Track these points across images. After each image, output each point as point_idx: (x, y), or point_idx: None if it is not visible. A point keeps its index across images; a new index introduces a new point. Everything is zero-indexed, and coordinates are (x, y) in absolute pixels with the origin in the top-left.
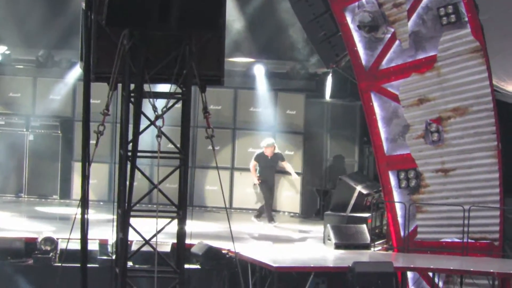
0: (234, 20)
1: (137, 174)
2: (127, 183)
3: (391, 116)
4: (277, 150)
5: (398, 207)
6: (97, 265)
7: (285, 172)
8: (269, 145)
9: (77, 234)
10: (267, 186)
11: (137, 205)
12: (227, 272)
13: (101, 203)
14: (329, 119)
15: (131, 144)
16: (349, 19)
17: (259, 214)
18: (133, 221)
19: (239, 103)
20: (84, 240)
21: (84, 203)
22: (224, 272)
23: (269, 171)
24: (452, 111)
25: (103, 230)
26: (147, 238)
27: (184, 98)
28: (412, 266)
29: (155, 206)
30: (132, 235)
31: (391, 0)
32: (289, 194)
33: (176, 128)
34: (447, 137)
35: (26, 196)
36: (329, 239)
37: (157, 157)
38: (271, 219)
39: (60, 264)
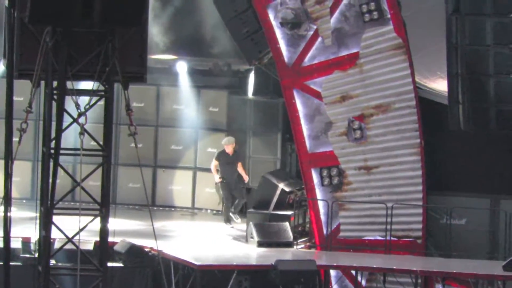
0: (157, 16)
1: (60, 172)
2: (50, 180)
3: (313, 113)
4: (237, 149)
5: (321, 205)
6: (20, 263)
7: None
8: (230, 142)
9: (0, 232)
10: (228, 186)
11: (60, 202)
12: (150, 270)
13: (24, 201)
14: (252, 116)
15: (54, 141)
16: (271, 16)
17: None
18: (56, 219)
19: (161, 100)
20: (7, 238)
21: (7, 200)
22: (147, 270)
23: (230, 169)
24: (374, 108)
25: (26, 228)
26: (70, 236)
27: (106, 96)
28: (335, 264)
29: (78, 204)
30: (55, 233)
31: None
32: (211, 191)
33: (99, 125)
34: (369, 134)
35: None
36: (252, 237)
37: (80, 154)
38: (227, 220)
39: None
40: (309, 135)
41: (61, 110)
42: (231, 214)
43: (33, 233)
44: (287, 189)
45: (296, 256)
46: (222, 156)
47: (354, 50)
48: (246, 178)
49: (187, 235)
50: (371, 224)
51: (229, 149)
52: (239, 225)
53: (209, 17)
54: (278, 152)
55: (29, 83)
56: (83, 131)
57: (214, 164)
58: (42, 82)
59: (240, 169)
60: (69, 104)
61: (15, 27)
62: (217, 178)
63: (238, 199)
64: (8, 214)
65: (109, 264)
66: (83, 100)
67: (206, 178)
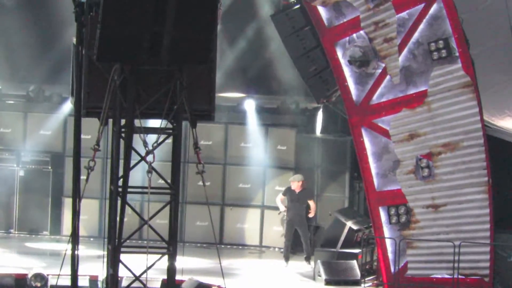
0: (225, 55)
1: (128, 210)
2: (118, 219)
3: (381, 152)
4: (307, 186)
5: (389, 243)
6: None
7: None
8: (297, 179)
9: (67, 270)
10: (292, 223)
11: (128, 241)
12: None
13: (92, 239)
14: (320, 154)
15: (121, 179)
16: (340, 54)
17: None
18: (123, 257)
19: (229, 138)
20: (74, 276)
21: (75, 238)
22: None
23: (295, 206)
24: (442, 147)
25: (93, 266)
26: (138, 274)
27: (175, 134)
28: None
29: (145, 242)
30: (122, 271)
31: (382, 35)
32: (279, 229)
33: (166, 163)
34: (437, 173)
35: (16, 232)
36: (319, 275)
37: (147, 192)
38: (286, 259)
39: None
40: (377, 173)
41: (129, 148)
42: (305, 261)
43: (101, 271)
44: (355, 227)
45: None
46: (288, 192)
47: (423, 88)
48: (312, 213)
49: (254, 274)
50: (439, 262)
51: (295, 186)
52: (305, 263)
53: (277, 55)
54: (346, 190)
55: (96, 121)
56: (151, 169)
57: (280, 197)
58: (110, 120)
59: (311, 204)
60: (137, 142)
61: (83, 65)
62: (282, 207)
63: (303, 240)
64: (76, 252)
65: None
66: (151, 138)
67: (274, 216)
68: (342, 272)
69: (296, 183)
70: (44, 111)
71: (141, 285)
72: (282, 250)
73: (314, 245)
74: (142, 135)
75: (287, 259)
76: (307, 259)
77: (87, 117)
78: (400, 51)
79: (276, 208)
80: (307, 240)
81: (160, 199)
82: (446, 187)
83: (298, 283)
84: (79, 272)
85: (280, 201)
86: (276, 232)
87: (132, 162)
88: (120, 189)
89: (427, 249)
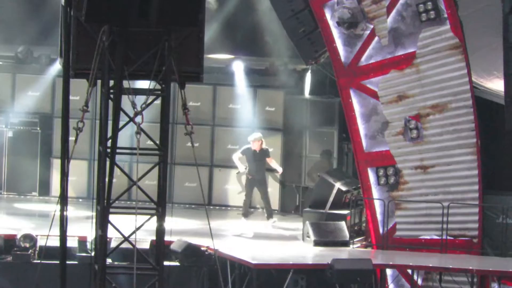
0: (213, 16)
1: (117, 171)
2: (106, 179)
3: (370, 113)
4: (264, 146)
5: (377, 204)
6: (76, 262)
7: (265, 169)
8: (256, 138)
9: (56, 231)
10: (253, 183)
11: (117, 202)
12: (206, 269)
13: (80, 200)
14: (308, 115)
15: (110, 140)
16: (328, 15)
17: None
18: (112, 218)
19: (218, 99)
20: (63, 237)
21: (63, 200)
22: (204, 269)
23: (257, 166)
24: (431, 108)
25: (82, 227)
26: (126, 235)
27: (163, 95)
28: (391, 263)
29: (134, 203)
30: (111, 232)
31: None
32: (268, 190)
33: (155, 124)
34: (426, 134)
35: (5, 193)
36: (308, 236)
37: (136, 153)
38: (245, 215)
39: (39, 261)
40: (365, 134)
41: (118, 109)
42: (268, 221)
43: (90, 232)
44: (343, 188)
45: (352, 255)
46: (247, 152)
47: (411, 50)
48: (279, 170)
49: (243, 235)
50: (427, 224)
51: (256, 146)
52: (296, 224)
53: (265, 16)
54: (335, 152)
55: (85, 82)
56: (139, 130)
57: (237, 155)
58: (99, 81)
59: (273, 164)
60: (125, 103)
61: (71, 26)
62: (242, 167)
63: (264, 200)
64: (65, 213)
65: (166, 263)
66: (140, 99)
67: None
68: (330, 233)
69: (257, 143)
70: (33, 72)
71: (130, 246)
72: (274, 211)
73: (303, 206)
74: (130, 96)
75: (246, 216)
76: (269, 217)
77: (76, 78)
78: (388, 12)
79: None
80: (268, 199)
81: (149, 160)
82: (435, 148)
83: (287, 244)
84: (68, 233)
85: (237, 160)
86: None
87: (121, 123)
88: (108, 150)
89: (416, 210)
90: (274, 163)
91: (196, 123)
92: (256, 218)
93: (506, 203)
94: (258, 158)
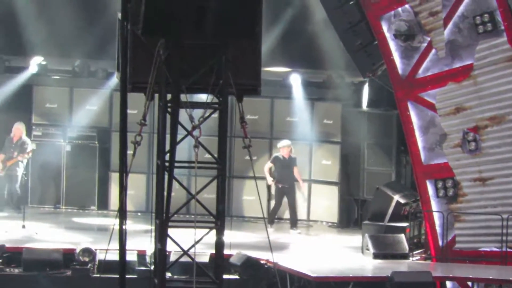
0: (270, 29)
1: (175, 185)
2: (165, 193)
3: (428, 125)
4: (293, 154)
5: (436, 217)
6: (135, 276)
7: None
8: (285, 145)
9: (115, 245)
10: (282, 190)
11: (175, 215)
12: (265, 282)
13: (139, 213)
14: (366, 128)
15: (168, 154)
16: (385, 28)
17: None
18: (171, 231)
19: (275, 112)
20: (122, 251)
21: (122, 213)
22: (263, 282)
23: (285, 173)
24: (489, 120)
25: (141, 241)
26: (186, 249)
27: (221, 108)
28: (450, 275)
29: (193, 216)
30: (170, 246)
31: (427, 8)
32: (326, 203)
33: (213, 138)
34: (484, 146)
35: (64, 207)
36: (367, 249)
37: (194, 167)
38: (271, 222)
39: (98, 275)
40: (423, 146)
41: (175, 123)
42: (291, 230)
43: (149, 245)
44: (402, 201)
45: (411, 268)
46: (276, 160)
47: (468, 62)
48: (301, 183)
49: (302, 247)
50: (487, 236)
51: (284, 152)
52: (355, 237)
53: (322, 29)
54: (393, 164)
55: (142, 95)
56: (197, 144)
57: (267, 166)
58: (156, 95)
59: (296, 174)
60: (183, 116)
61: (128, 40)
62: (269, 180)
63: (290, 208)
64: (123, 227)
65: (225, 276)
66: (197, 112)
67: (321, 190)
68: (390, 246)
69: (286, 149)
70: (90, 86)
71: (189, 260)
72: (334, 224)
73: (361, 219)
74: (188, 109)
75: (271, 223)
76: (292, 226)
77: (133, 92)
78: (445, 25)
79: (323, 182)
80: (294, 208)
81: (207, 174)
82: (493, 160)
83: (346, 257)
84: (127, 247)
85: (267, 171)
86: (323, 206)
87: (179, 137)
88: (167, 164)
89: (475, 222)
90: (297, 173)
91: (254, 136)
92: (316, 231)
93: None
94: (286, 165)
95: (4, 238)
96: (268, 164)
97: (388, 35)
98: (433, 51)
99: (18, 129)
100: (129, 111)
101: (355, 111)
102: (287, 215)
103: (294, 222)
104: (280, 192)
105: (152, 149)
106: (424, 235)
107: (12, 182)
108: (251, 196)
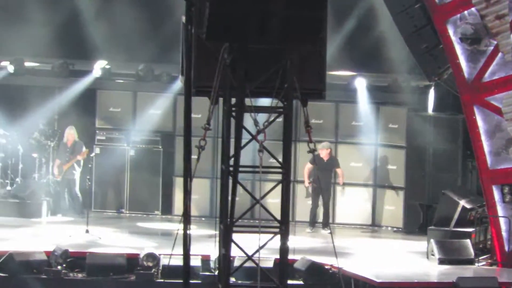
0: (335, 32)
1: (239, 189)
2: (229, 198)
3: (494, 130)
4: (334, 155)
5: (502, 222)
6: (199, 281)
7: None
8: (324, 146)
9: (179, 250)
10: (318, 191)
11: (239, 220)
12: (330, 287)
13: (203, 218)
14: (432, 132)
15: (232, 159)
16: (451, 31)
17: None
18: (235, 236)
19: (340, 116)
20: (186, 256)
21: (186, 218)
22: (327, 287)
23: (323, 174)
24: None
25: (205, 246)
26: (250, 254)
27: (285, 112)
28: None
29: (257, 221)
30: (234, 251)
31: (494, 12)
32: (391, 208)
33: (277, 142)
34: None
35: (127, 212)
36: (433, 254)
37: (259, 172)
38: (311, 224)
39: (162, 280)
40: (489, 151)
41: (240, 127)
42: (322, 231)
43: (213, 251)
44: (468, 206)
45: (477, 274)
46: (315, 160)
47: None
48: (341, 181)
49: (367, 252)
50: None
51: (324, 154)
52: (421, 242)
53: (388, 32)
54: (459, 169)
55: (207, 99)
56: (262, 148)
57: (307, 167)
58: (220, 99)
59: (339, 174)
60: (247, 121)
61: (192, 44)
62: (306, 182)
63: (324, 208)
64: (188, 231)
65: (289, 281)
66: (262, 117)
67: (387, 195)
68: (455, 251)
69: (324, 151)
70: (154, 90)
71: (254, 265)
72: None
73: (427, 224)
74: (252, 114)
75: (312, 225)
76: (324, 226)
77: (197, 96)
78: None
79: (389, 187)
80: (327, 208)
81: (271, 179)
82: None
83: (411, 262)
84: (191, 252)
85: (306, 172)
86: (388, 211)
87: (243, 141)
88: (231, 168)
89: None
90: (340, 174)
91: (318, 140)
92: (381, 236)
93: None
94: (324, 167)
95: (67, 243)
96: (308, 165)
97: (454, 39)
98: (500, 54)
99: (71, 134)
100: (193, 116)
101: (420, 116)
102: (352, 219)
103: (326, 223)
104: (317, 192)
105: (216, 153)
106: (490, 241)
107: (70, 186)
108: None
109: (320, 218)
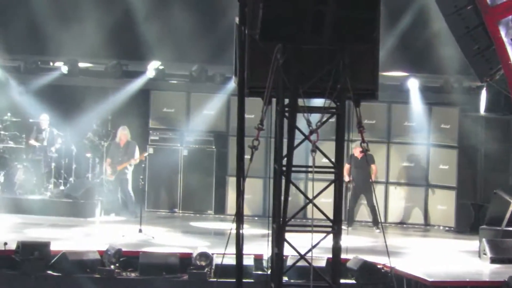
0: (388, 33)
1: (292, 189)
2: (282, 198)
3: None
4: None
5: None
6: (252, 280)
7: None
8: (357, 145)
9: (232, 249)
10: (356, 189)
11: (292, 220)
12: (382, 286)
13: (256, 218)
14: (484, 133)
15: (285, 159)
16: (503, 32)
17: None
18: (288, 236)
19: (393, 117)
20: (239, 255)
21: (239, 218)
22: (380, 286)
23: (358, 172)
24: None
25: (258, 245)
26: (302, 253)
27: (338, 113)
28: None
29: (310, 221)
30: (287, 250)
31: None
32: (443, 208)
33: (330, 142)
34: None
35: (180, 211)
36: (485, 253)
37: (311, 171)
38: (349, 222)
39: (215, 280)
40: None
41: (293, 127)
42: (375, 228)
43: (266, 250)
44: None
45: None
46: (352, 159)
47: None
48: (372, 177)
49: (419, 252)
50: None
51: (357, 153)
52: (472, 241)
53: (440, 33)
54: (510, 169)
55: (260, 100)
56: (315, 148)
57: (346, 166)
58: (273, 99)
59: (372, 170)
60: (300, 121)
61: (246, 45)
62: (346, 178)
63: (369, 207)
64: (241, 231)
65: (342, 281)
66: (314, 117)
67: (439, 194)
68: (507, 250)
69: (357, 149)
70: (207, 90)
71: (306, 264)
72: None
73: (478, 224)
74: (305, 114)
75: (350, 225)
76: (374, 225)
77: (250, 97)
78: None
79: (441, 187)
80: (373, 207)
81: (324, 178)
82: None
83: (463, 262)
84: (244, 251)
85: (346, 171)
86: (440, 210)
87: (296, 141)
88: (284, 168)
89: None
90: (374, 170)
91: (371, 140)
92: (433, 236)
93: None
94: (358, 165)
95: (121, 242)
96: (346, 165)
97: (506, 40)
98: None
99: (124, 134)
100: (246, 116)
101: (472, 116)
102: (404, 219)
103: (375, 221)
104: (355, 191)
105: (269, 153)
106: None
107: (123, 185)
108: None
109: (359, 217)
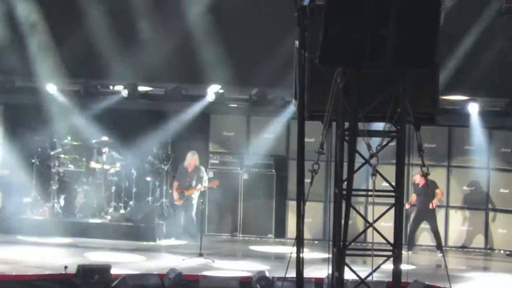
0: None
1: (352, 213)
2: (342, 221)
3: None
4: (430, 179)
5: None
6: None
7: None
8: (417, 172)
9: (292, 273)
10: (417, 215)
11: (352, 243)
12: None
13: (316, 241)
14: None
15: (345, 182)
16: None
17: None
18: (348, 259)
19: (453, 141)
20: (299, 279)
21: (299, 241)
22: None
23: (419, 199)
24: None
25: (318, 269)
26: (363, 277)
27: (398, 137)
28: None
29: (370, 244)
30: (347, 274)
31: None
32: (504, 232)
33: (390, 166)
34: None
35: (241, 235)
36: None
37: (372, 195)
38: (409, 247)
39: None
40: None
41: (353, 151)
42: (438, 253)
43: (326, 274)
44: None
45: None
46: (413, 187)
47: None
48: (434, 203)
49: (480, 276)
50: None
51: (418, 179)
52: None
53: (499, 58)
54: None
55: (320, 124)
56: (375, 172)
57: (412, 197)
58: (333, 123)
59: (437, 194)
60: (360, 144)
61: (306, 68)
62: (407, 205)
63: (432, 232)
64: (301, 255)
65: None
66: (374, 140)
67: (499, 218)
68: None
69: (418, 176)
70: (267, 114)
71: None
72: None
73: None
74: (365, 138)
75: (410, 249)
76: (437, 249)
77: (310, 120)
78: None
79: (502, 211)
80: (436, 230)
81: (384, 202)
82: None
83: None
84: (304, 275)
85: (412, 201)
86: (501, 234)
87: (356, 165)
88: (344, 192)
89: None
90: (438, 194)
91: (431, 164)
92: (495, 260)
93: None
94: (420, 192)
95: (181, 266)
96: (413, 195)
97: None
98: None
99: (193, 159)
100: (306, 140)
101: None
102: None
103: (438, 245)
104: (417, 217)
105: (330, 177)
106: None
107: (188, 211)
108: (426, 225)
109: (419, 241)
